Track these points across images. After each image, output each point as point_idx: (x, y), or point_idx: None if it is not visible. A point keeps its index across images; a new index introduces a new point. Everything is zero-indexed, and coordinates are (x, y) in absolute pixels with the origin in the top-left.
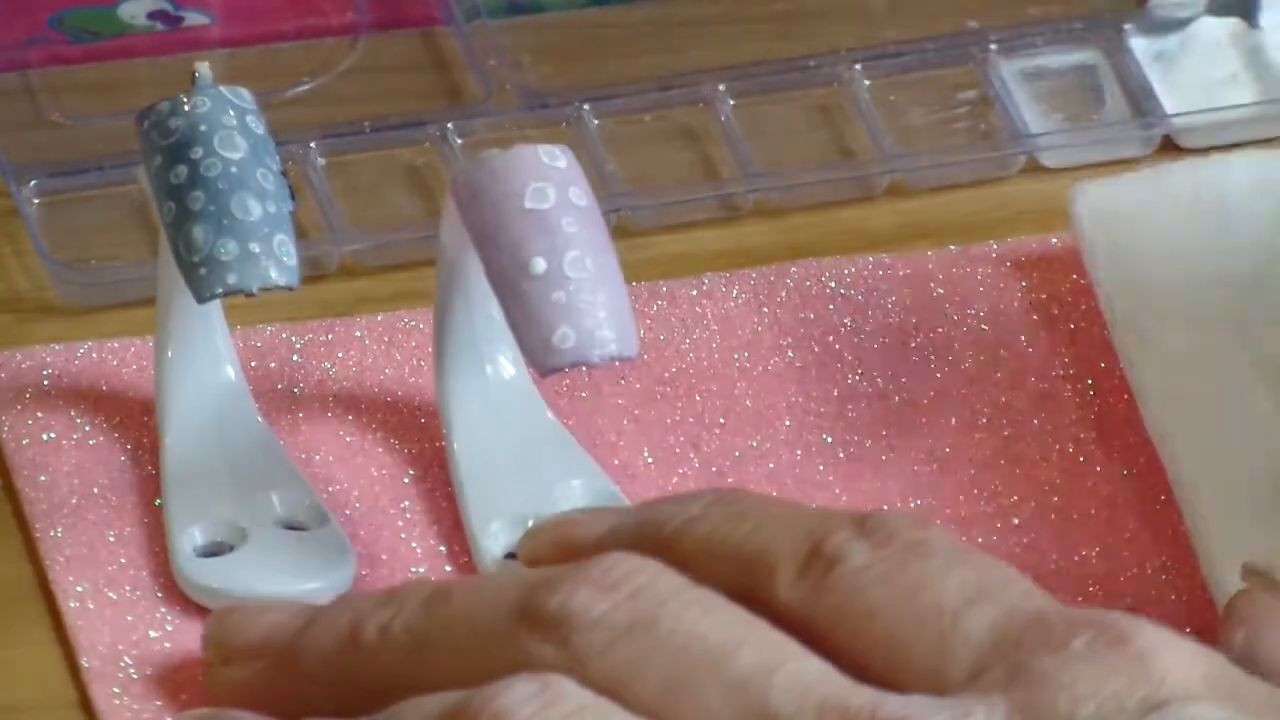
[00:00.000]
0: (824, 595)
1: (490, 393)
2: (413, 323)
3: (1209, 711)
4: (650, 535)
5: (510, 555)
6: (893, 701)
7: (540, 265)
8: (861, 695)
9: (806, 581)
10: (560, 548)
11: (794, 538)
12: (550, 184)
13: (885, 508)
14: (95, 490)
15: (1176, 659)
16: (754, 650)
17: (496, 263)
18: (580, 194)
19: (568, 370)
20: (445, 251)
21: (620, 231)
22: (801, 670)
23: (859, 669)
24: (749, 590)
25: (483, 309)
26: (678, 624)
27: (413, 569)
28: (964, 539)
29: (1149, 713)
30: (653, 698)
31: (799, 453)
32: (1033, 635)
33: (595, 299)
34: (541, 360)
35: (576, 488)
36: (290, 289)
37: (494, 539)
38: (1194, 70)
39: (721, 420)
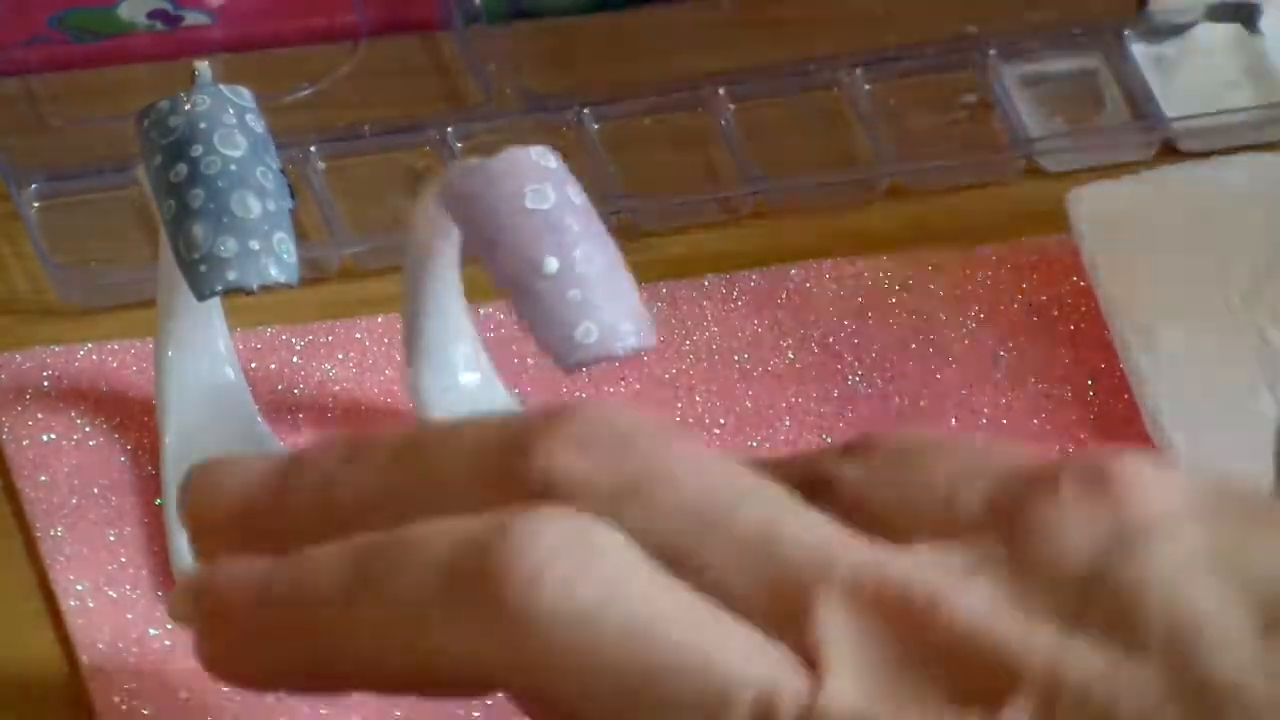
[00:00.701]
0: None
1: (463, 393)
2: None
3: (1189, 535)
4: None
5: None
6: (899, 557)
7: (553, 265)
8: (865, 551)
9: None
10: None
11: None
12: (548, 184)
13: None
14: (95, 490)
15: (1158, 487)
16: (750, 506)
17: (506, 266)
18: (576, 192)
19: (591, 366)
20: (416, 248)
21: (621, 234)
22: (803, 523)
23: None
24: None
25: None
26: (668, 487)
27: None
28: None
29: (1134, 545)
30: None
31: None
32: (1022, 493)
33: (610, 293)
34: (566, 357)
35: None
36: (290, 286)
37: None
38: (1194, 75)
39: (722, 421)
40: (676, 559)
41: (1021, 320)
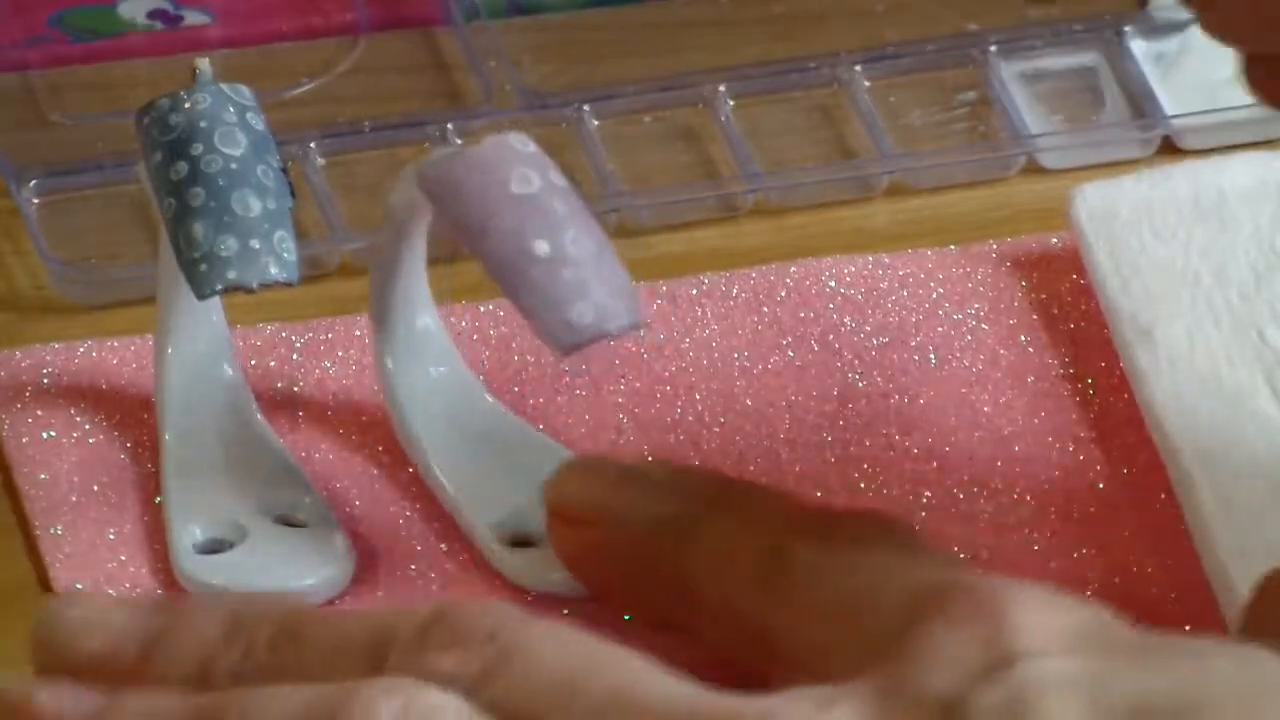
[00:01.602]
0: None
1: (433, 385)
2: None
3: (1055, 665)
4: None
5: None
6: (760, 702)
7: (544, 247)
8: (730, 701)
9: None
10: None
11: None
12: (530, 168)
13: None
14: (95, 488)
15: (1035, 617)
16: (613, 671)
17: (496, 253)
18: (557, 175)
19: (586, 346)
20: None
21: (620, 231)
22: (664, 683)
23: None
24: None
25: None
26: (533, 659)
27: (411, 565)
28: (965, 538)
29: (996, 673)
30: None
31: (799, 452)
32: (914, 615)
33: (601, 273)
34: (561, 339)
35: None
36: (290, 284)
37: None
38: (1194, 72)
39: (722, 419)
40: None
41: (1021, 319)
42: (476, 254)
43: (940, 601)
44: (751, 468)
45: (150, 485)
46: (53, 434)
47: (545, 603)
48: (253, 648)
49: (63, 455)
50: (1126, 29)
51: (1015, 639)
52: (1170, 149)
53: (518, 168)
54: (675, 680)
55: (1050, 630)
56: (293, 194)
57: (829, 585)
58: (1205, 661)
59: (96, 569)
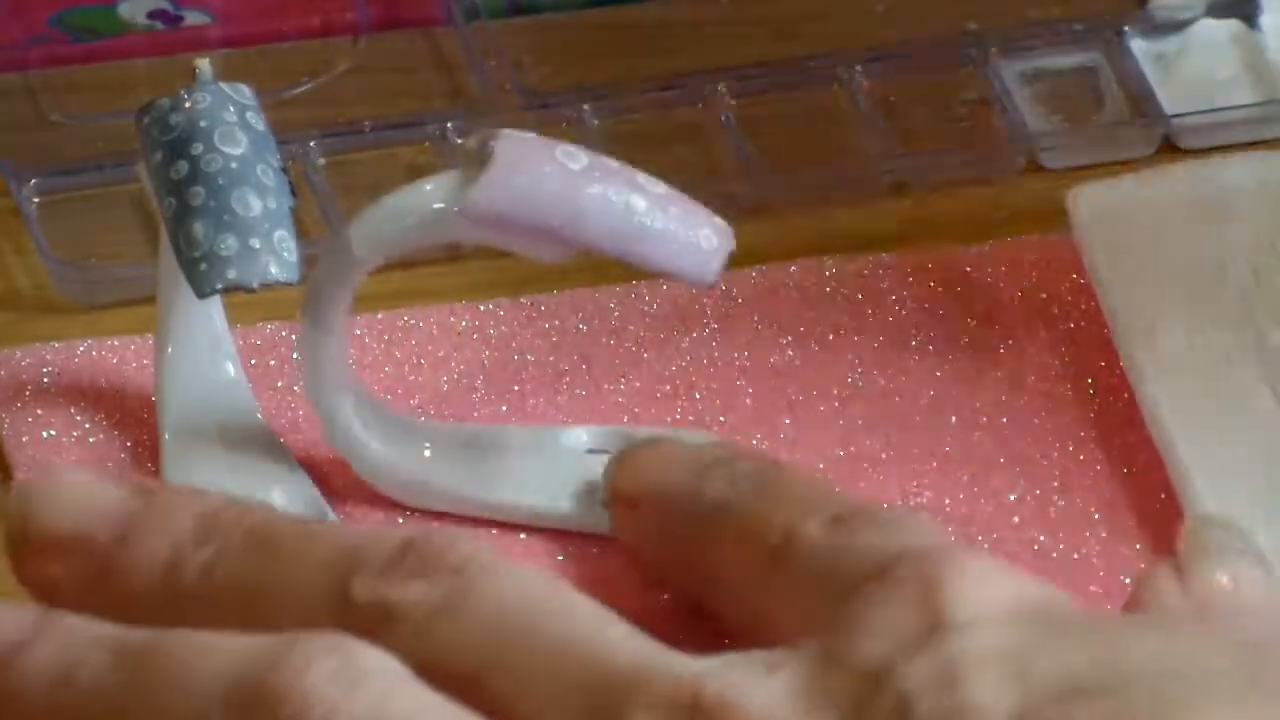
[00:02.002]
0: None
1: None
2: (412, 321)
3: (987, 637)
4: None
5: None
6: (704, 663)
7: (638, 201)
8: (676, 660)
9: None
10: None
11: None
12: (563, 146)
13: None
14: None
15: (973, 587)
16: (567, 617)
17: (601, 228)
18: (576, 146)
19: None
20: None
21: None
22: (614, 635)
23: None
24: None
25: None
26: (490, 598)
27: None
28: (965, 538)
29: (928, 642)
30: (471, 670)
31: (800, 452)
32: (855, 586)
33: (685, 198)
34: (704, 270)
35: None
36: (290, 284)
37: None
38: (1194, 71)
39: (721, 419)
40: (488, 667)
41: (1021, 319)
42: (576, 244)
43: (888, 567)
44: None
45: None
46: (52, 433)
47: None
48: (224, 550)
49: (62, 454)
50: (1127, 28)
51: (951, 608)
52: (1171, 148)
53: (555, 150)
54: (632, 633)
55: (987, 601)
56: (293, 193)
57: (821, 564)
58: (1137, 641)
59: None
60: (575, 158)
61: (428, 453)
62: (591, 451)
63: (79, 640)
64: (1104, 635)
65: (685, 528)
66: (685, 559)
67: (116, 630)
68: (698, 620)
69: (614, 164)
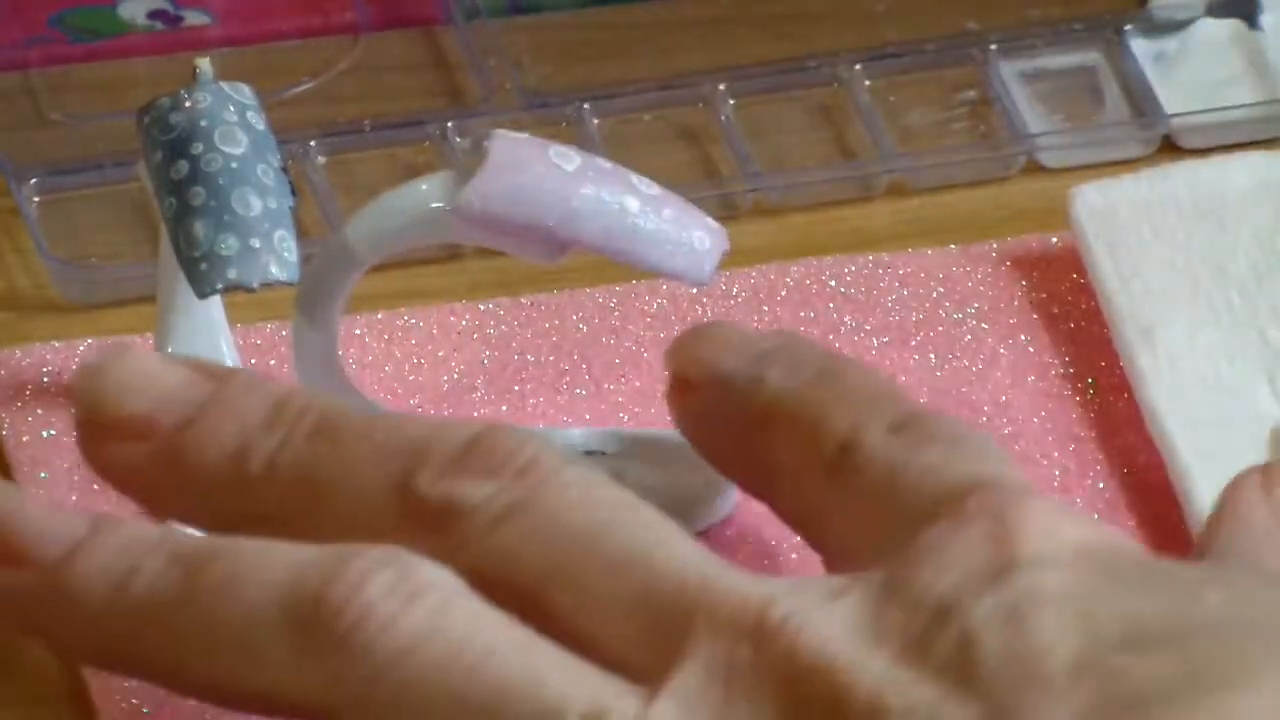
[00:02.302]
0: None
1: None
2: (413, 321)
3: (1055, 577)
4: None
5: None
6: (770, 585)
7: (632, 201)
8: (740, 579)
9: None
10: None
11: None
12: (556, 145)
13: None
14: (95, 487)
15: (1043, 527)
16: (630, 530)
17: (594, 228)
18: (569, 147)
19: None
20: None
21: None
22: (679, 551)
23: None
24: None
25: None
26: (556, 506)
27: None
28: None
29: (996, 579)
30: (532, 582)
31: None
32: (927, 514)
33: (681, 199)
34: (701, 272)
35: None
36: (290, 284)
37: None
38: (1194, 71)
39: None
40: (549, 580)
41: (1021, 319)
42: (570, 244)
43: (958, 499)
44: None
45: None
46: (53, 432)
47: None
48: (290, 439)
49: (63, 454)
50: (1127, 28)
51: (1020, 546)
52: (1171, 148)
53: (549, 150)
54: (694, 548)
55: (1056, 542)
56: (294, 193)
57: (883, 477)
58: (1198, 587)
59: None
60: (569, 158)
61: None
62: (589, 453)
63: (136, 545)
64: (1172, 582)
65: (744, 416)
66: (743, 448)
67: (173, 537)
68: None
69: (607, 164)
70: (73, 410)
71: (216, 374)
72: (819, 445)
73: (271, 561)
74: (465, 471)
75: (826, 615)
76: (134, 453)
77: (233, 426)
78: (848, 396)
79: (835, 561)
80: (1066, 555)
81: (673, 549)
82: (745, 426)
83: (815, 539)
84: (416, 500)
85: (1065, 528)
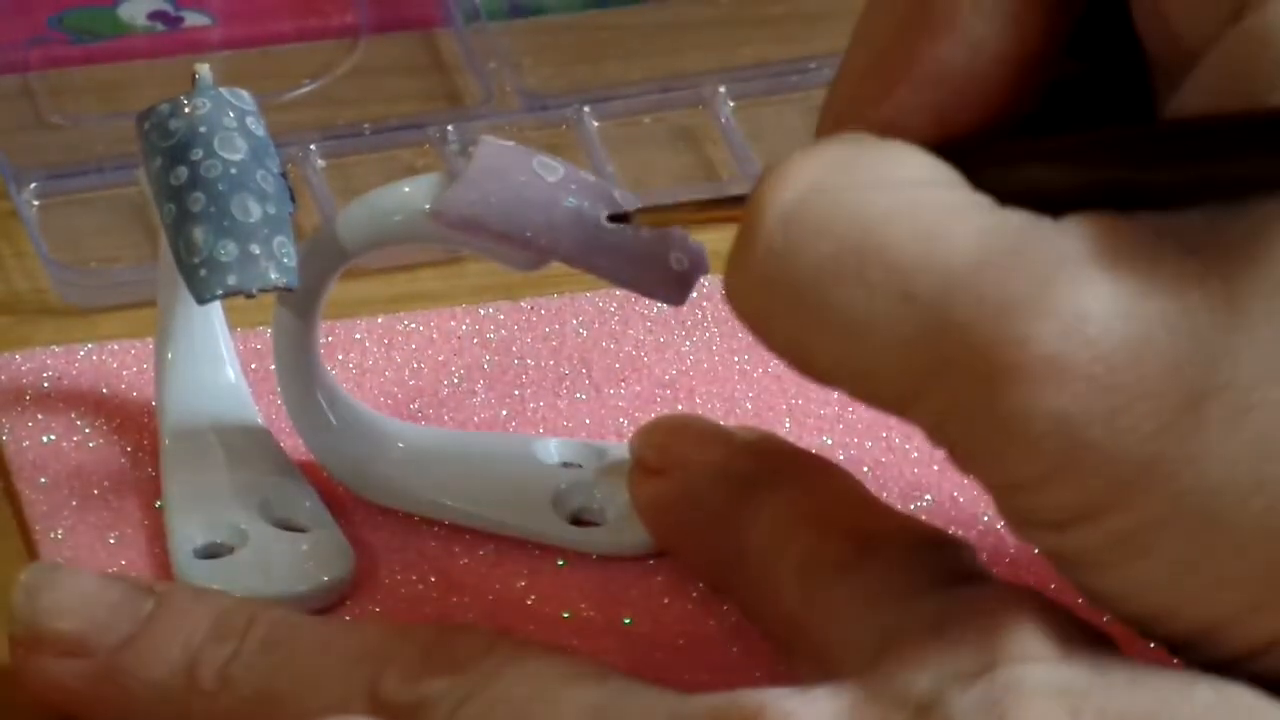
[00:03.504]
0: None
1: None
2: (412, 325)
3: (1038, 671)
4: None
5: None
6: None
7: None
8: (718, 696)
9: None
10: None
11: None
12: (541, 157)
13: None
14: (95, 492)
15: (1026, 625)
16: (584, 690)
17: (569, 242)
18: (554, 158)
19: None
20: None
21: None
22: (645, 698)
23: None
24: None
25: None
26: (513, 678)
27: (412, 570)
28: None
29: (981, 676)
30: None
31: None
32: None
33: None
34: (677, 293)
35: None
36: (290, 290)
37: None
38: None
39: (721, 422)
40: None
41: None
42: (546, 254)
43: (944, 610)
44: None
45: (150, 489)
46: (53, 438)
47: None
48: (242, 650)
49: (63, 459)
50: None
51: (1003, 644)
52: None
53: (532, 160)
54: (661, 692)
55: (1038, 638)
56: (293, 199)
57: (849, 593)
58: (1187, 688)
59: (96, 572)
60: (552, 169)
61: (397, 453)
62: (566, 465)
63: None
64: (1154, 680)
65: (711, 506)
66: (710, 539)
67: None
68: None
69: (590, 178)
70: (8, 629)
71: (156, 590)
72: (791, 549)
73: None
74: (428, 673)
75: (814, 711)
76: (70, 669)
77: (176, 641)
78: (821, 505)
79: (814, 669)
80: (1048, 650)
81: (645, 700)
82: (715, 526)
83: (791, 641)
84: (383, 703)
85: (1046, 623)
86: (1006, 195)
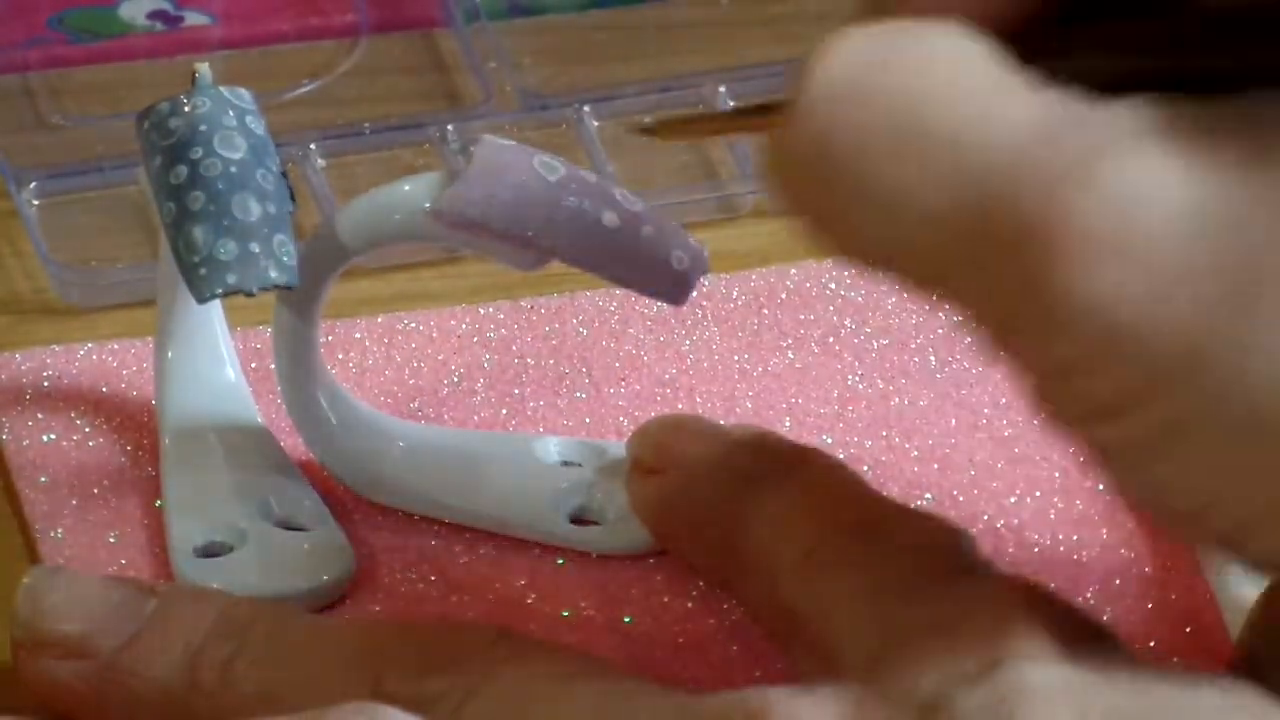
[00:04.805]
0: None
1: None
2: (412, 324)
3: (1043, 671)
4: None
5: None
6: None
7: (611, 217)
8: (726, 696)
9: None
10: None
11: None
12: (542, 156)
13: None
14: (95, 491)
15: (1030, 623)
16: (582, 690)
17: (569, 241)
18: (554, 157)
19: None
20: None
21: None
22: (653, 700)
23: None
24: None
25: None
26: (517, 677)
27: (412, 569)
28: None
29: (987, 676)
30: None
31: None
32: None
33: (664, 217)
34: (673, 292)
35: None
36: (290, 289)
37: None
38: None
39: (721, 422)
40: None
41: None
42: (546, 254)
43: (945, 613)
44: None
45: (151, 488)
46: (53, 437)
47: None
48: (244, 646)
49: (63, 458)
50: None
51: (1008, 643)
52: None
53: (534, 159)
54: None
55: (1043, 636)
56: (292, 198)
57: (850, 588)
58: (1192, 689)
59: (97, 573)
60: (552, 168)
61: (397, 452)
62: (566, 464)
63: None
64: (1159, 681)
65: (710, 502)
66: (709, 535)
67: None
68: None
69: (591, 177)
70: (10, 632)
71: (157, 590)
72: (791, 545)
73: None
74: (429, 671)
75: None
76: (72, 670)
77: (178, 640)
78: (822, 501)
79: (815, 664)
80: (1053, 649)
81: (649, 700)
82: (714, 522)
83: (791, 636)
84: (388, 700)
85: (1050, 621)
86: (1056, 82)
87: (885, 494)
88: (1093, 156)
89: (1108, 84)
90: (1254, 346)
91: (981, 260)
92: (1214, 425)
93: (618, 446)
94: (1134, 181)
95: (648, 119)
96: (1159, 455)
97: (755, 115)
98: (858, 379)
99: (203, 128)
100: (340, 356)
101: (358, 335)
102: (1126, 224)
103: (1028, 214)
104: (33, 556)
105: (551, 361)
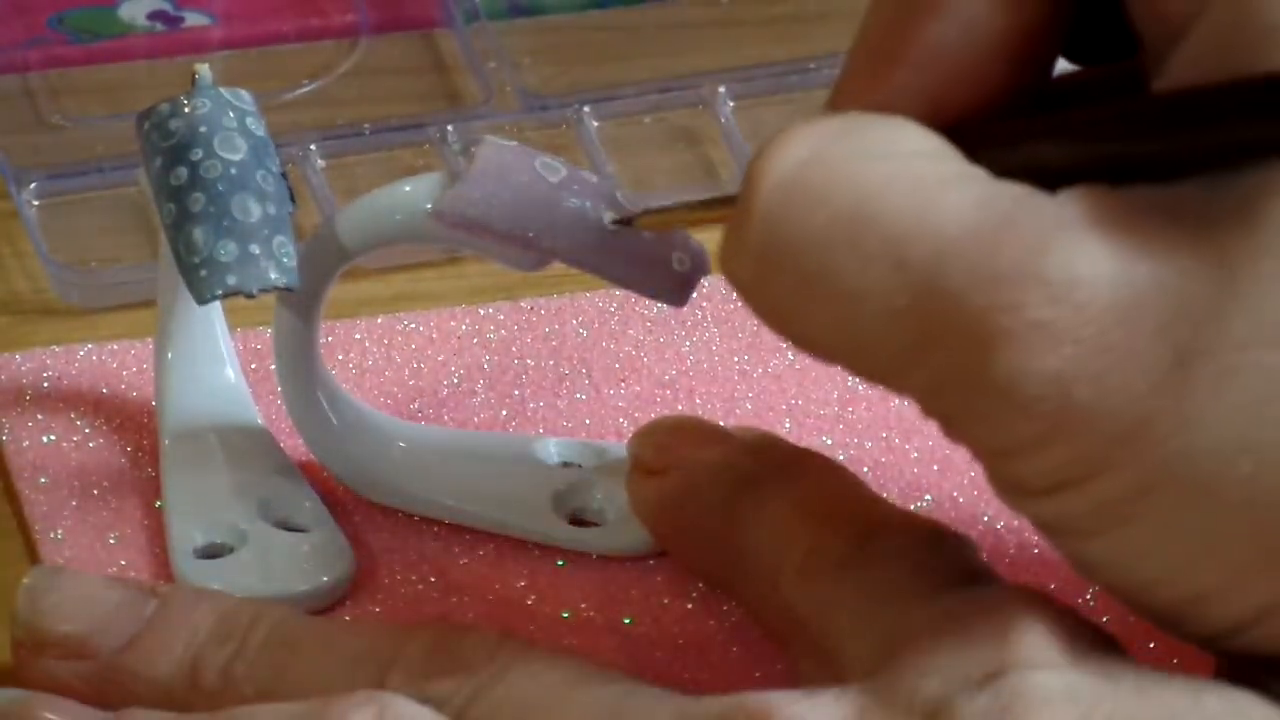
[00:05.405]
0: None
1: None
2: (412, 325)
3: (1047, 678)
4: None
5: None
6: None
7: (612, 218)
8: (722, 699)
9: None
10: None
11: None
12: (544, 158)
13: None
14: (95, 492)
15: (1035, 630)
16: (593, 690)
17: (570, 242)
18: (556, 158)
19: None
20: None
21: None
22: (647, 701)
23: None
24: None
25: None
26: (523, 672)
27: (412, 570)
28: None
29: (990, 682)
30: None
31: None
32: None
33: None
34: (674, 292)
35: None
36: (290, 289)
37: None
38: None
39: (721, 423)
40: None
41: None
42: (547, 255)
43: (950, 610)
44: None
45: (151, 489)
46: (53, 438)
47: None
48: (245, 649)
49: (63, 459)
50: None
51: (1010, 648)
52: None
53: (534, 160)
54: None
55: (1046, 642)
56: (292, 199)
57: (851, 591)
58: (1194, 694)
59: (97, 573)
60: (554, 170)
61: (397, 453)
62: (566, 465)
63: None
64: (1163, 688)
65: (711, 504)
66: (709, 536)
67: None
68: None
69: (592, 178)
70: (10, 632)
71: (158, 591)
72: (792, 548)
73: (259, 712)
74: (434, 672)
75: (821, 716)
76: (72, 671)
77: (179, 641)
78: (822, 505)
79: (817, 666)
80: (1058, 656)
81: (646, 700)
82: (715, 523)
83: (793, 638)
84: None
85: (1055, 628)
86: (1003, 173)
87: (885, 496)
88: (1037, 249)
89: (1056, 171)
90: (1198, 416)
91: (936, 352)
92: (1162, 496)
93: (618, 447)
94: (1077, 269)
95: (623, 208)
96: (1110, 528)
97: (733, 206)
98: (857, 380)
99: (203, 129)
100: (340, 357)
101: (358, 336)
102: (1072, 311)
103: (977, 307)
104: (33, 557)
105: (551, 362)
